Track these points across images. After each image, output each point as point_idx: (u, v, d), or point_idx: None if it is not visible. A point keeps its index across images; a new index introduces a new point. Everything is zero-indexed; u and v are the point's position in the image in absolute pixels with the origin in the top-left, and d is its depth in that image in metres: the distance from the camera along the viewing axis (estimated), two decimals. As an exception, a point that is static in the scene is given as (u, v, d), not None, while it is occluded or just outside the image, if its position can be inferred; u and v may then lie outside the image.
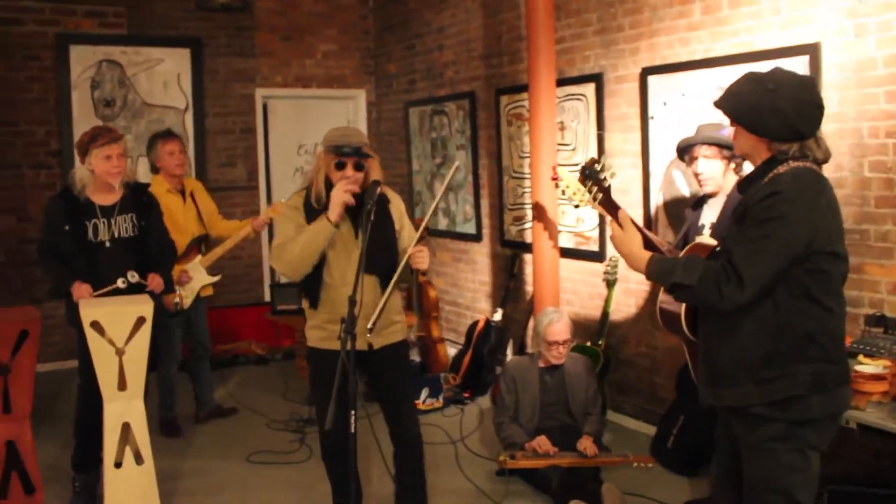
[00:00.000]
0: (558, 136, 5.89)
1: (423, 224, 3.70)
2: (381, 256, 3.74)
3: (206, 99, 8.11)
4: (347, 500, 3.79)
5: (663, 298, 3.57)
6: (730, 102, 2.83)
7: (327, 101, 8.81)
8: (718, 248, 2.99)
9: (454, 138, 7.53)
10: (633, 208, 5.47)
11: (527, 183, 6.49)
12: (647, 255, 2.94)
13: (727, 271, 2.67)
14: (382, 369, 3.91)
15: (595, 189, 3.20)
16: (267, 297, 8.19)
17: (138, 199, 4.67)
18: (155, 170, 5.67)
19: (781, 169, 2.74)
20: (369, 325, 3.65)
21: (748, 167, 4.55)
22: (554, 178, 4.71)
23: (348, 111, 8.92)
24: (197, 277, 5.70)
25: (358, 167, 3.73)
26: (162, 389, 5.80)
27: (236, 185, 8.29)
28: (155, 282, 4.60)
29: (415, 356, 6.54)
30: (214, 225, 5.90)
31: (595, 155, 5.82)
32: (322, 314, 3.82)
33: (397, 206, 3.95)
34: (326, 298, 3.80)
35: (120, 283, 4.46)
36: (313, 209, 3.76)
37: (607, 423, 5.46)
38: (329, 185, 3.75)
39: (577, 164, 5.93)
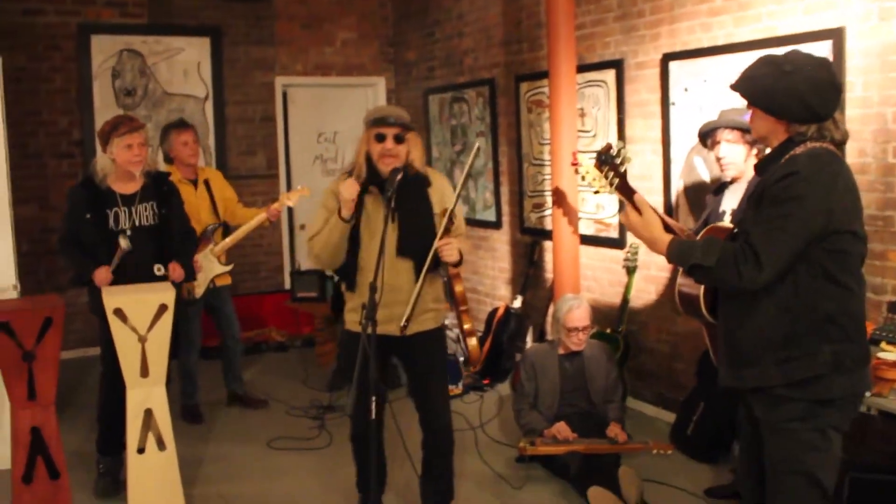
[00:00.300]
0: (578, 123, 5.87)
1: (448, 214, 3.67)
2: (415, 241, 3.72)
3: (225, 87, 8.13)
4: (368, 486, 3.83)
5: (682, 281, 3.56)
6: (746, 85, 2.84)
7: (347, 89, 8.82)
8: (736, 231, 2.99)
9: (474, 125, 7.51)
10: (653, 195, 5.45)
11: (547, 170, 6.47)
12: (667, 237, 2.95)
13: (745, 252, 2.67)
14: (415, 356, 3.90)
15: (612, 174, 3.21)
16: (287, 285, 8.22)
17: (159, 187, 4.70)
18: (169, 160, 5.70)
19: (798, 150, 2.74)
20: (403, 322, 3.65)
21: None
22: (574, 164, 4.73)
23: (367, 99, 8.92)
24: (208, 267, 5.70)
25: (398, 139, 3.72)
26: (183, 377, 5.84)
27: (256, 174, 8.32)
28: (176, 272, 4.62)
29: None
30: (233, 213, 5.90)
31: (614, 141, 5.79)
32: (358, 298, 3.79)
33: (439, 189, 3.87)
34: (362, 282, 3.77)
35: (122, 241, 4.48)
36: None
37: (626, 409, 5.45)
38: (370, 163, 3.73)
39: (596, 151, 5.91)
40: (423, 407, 3.97)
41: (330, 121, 8.77)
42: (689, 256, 2.81)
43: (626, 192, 3.20)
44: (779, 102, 2.74)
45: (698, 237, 3.48)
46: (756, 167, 2.94)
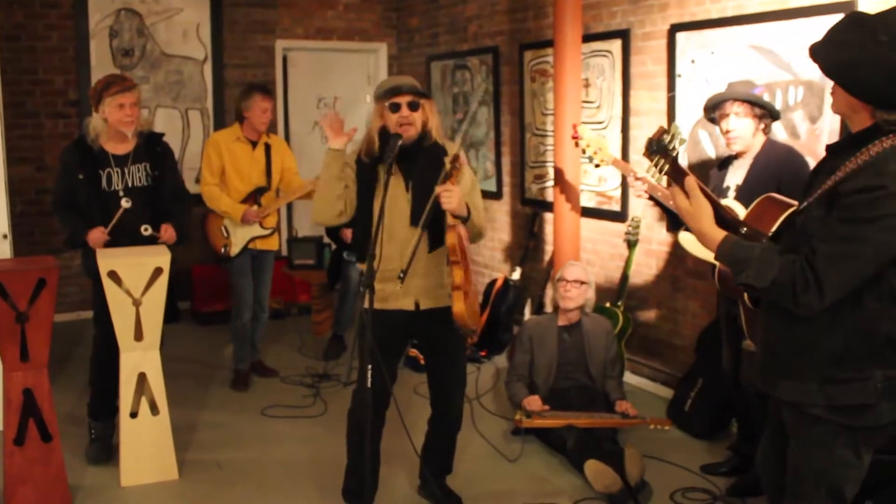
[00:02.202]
0: (583, 94, 5.83)
1: (451, 159, 3.55)
2: (424, 210, 3.61)
3: (225, 50, 8.06)
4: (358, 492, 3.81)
5: None
6: (825, 52, 2.36)
7: (348, 54, 8.75)
8: (797, 219, 2.54)
9: (476, 93, 7.46)
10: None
11: (549, 140, 6.44)
12: (720, 234, 2.54)
13: (806, 277, 2.31)
14: (429, 332, 3.86)
15: (662, 161, 2.73)
16: (284, 252, 8.20)
17: (152, 148, 4.67)
18: (240, 118, 5.64)
19: (886, 143, 2.29)
20: (400, 273, 3.54)
21: (778, 130, 4.51)
22: (574, 137, 4.69)
23: (369, 65, 8.85)
24: (247, 228, 5.64)
25: (413, 106, 3.66)
26: (233, 338, 5.88)
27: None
28: (168, 233, 4.61)
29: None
30: (289, 183, 5.80)
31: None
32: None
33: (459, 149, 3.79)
34: (377, 255, 3.66)
35: (124, 202, 4.49)
36: (364, 164, 3.71)
37: (624, 385, 5.46)
38: (384, 136, 3.68)
39: (601, 122, 5.89)
40: (436, 385, 3.96)
41: (330, 86, 8.71)
42: (741, 268, 2.44)
43: (676, 175, 2.75)
44: (863, 81, 2.27)
45: (751, 208, 3.32)
46: (829, 147, 2.50)
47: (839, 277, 2.29)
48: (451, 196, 3.48)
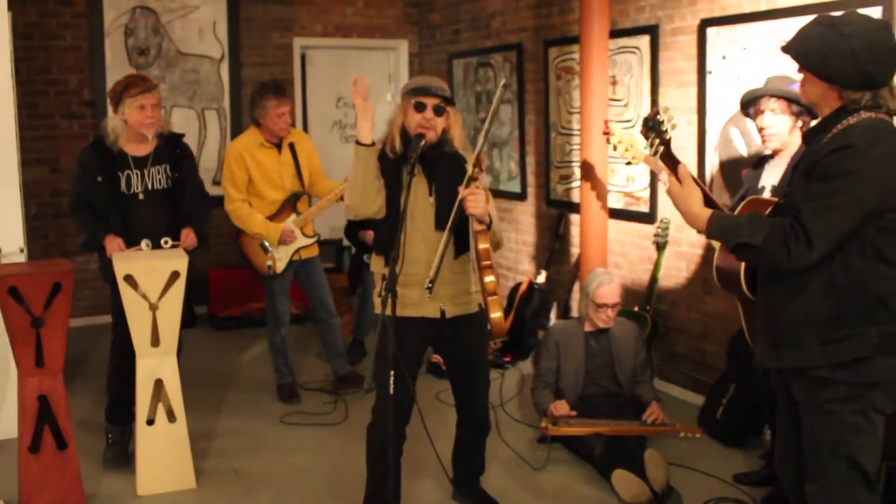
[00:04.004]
0: (610, 91, 5.82)
1: (474, 157, 3.53)
2: (448, 214, 3.62)
3: (242, 48, 8.10)
4: (386, 474, 3.80)
5: (719, 256, 3.53)
6: (798, 46, 2.76)
7: (368, 52, 8.77)
8: (782, 203, 2.94)
9: (497, 95, 7.44)
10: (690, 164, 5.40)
11: (575, 140, 6.43)
12: (707, 212, 2.88)
13: (795, 229, 2.62)
14: (454, 341, 3.87)
15: (657, 142, 3.16)
16: (303, 255, 8.23)
17: (172, 150, 4.70)
18: (258, 123, 5.45)
19: (852, 120, 2.68)
20: (428, 283, 3.58)
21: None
22: (606, 133, 4.69)
23: (389, 63, 8.87)
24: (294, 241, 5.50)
25: (437, 110, 3.66)
26: (274, 356, 5.76)
27: (273, 138, 8.28)
28: (189, 238, 4.62)
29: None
30: (316, 182, 5.64)
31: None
32: (402, 274, 3.69)
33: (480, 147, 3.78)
34: (404, 257, 3.67)
35: (144, 245, 4.48)
36: (388, 159, 3.71)
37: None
38: (405, 135, 3.69)
39: (629, 121, 5.87)
40: (461, 393, 3.98)
41: (349, 85, 8.71)
42: (733, 233, 2.74)
43: (669, 161, 3.16)
44: (833, 66, 2.67)
45: (737, 211, 3.44)
46: (804, 136, 2.88)
47: (824, 228, 2.60)
48: (476, 200, 3.50)
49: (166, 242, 4.55)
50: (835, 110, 2.74)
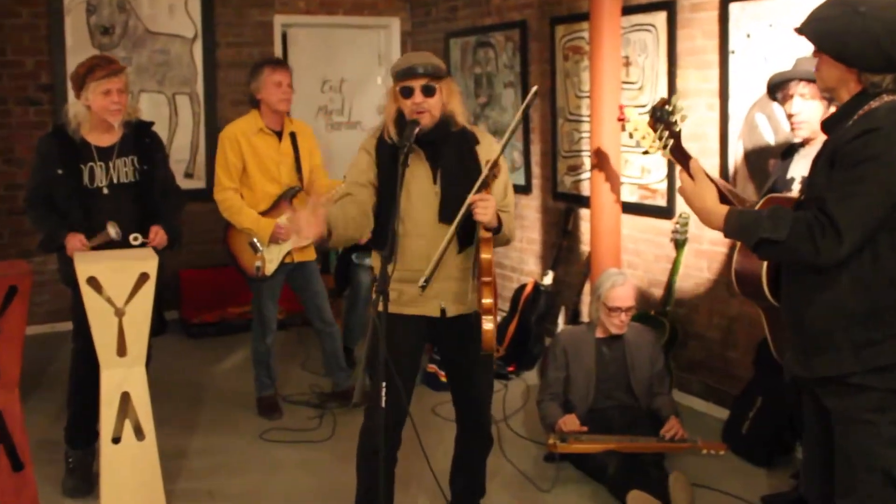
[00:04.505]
0: (622, 73, 5.82)
1: (490, 165, 3.52)
2: (457, 204, 3.61)
3: (217, 27, 8.10)
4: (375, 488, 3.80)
5: (738, 259, 3.53)
6: (813, 27, 2.80)
7: (356, 31, 8.76)
8: (803, 197, 2.95)
9: (501, 74, 7.46)
10: (708, 157, 5.40)
11: (585, 127, 6.43)
12: (724, 208, 2.89)
13: (821, 221, 2.64)
14: (454, 343, 3.87)
15: (666, 134, 3.14)
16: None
17: (140, 139, 4.68)
18: (254, 102, 5.47)
19: (874, 104, 2.72)
20: (422, 281, 3.60)
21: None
22: (621, 120, 4.69)
23: (380, 42, 8.87)
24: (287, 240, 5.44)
25: (427, 91, 3.63)
26: (254, 363, 5.74)
27: (251, 126, 8.27)
28: (158, 236, 4.60)
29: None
30: (316, 179, 5.57)
31: (670, 95, 5.74)
32: (399, 270, 3.69)
33: (488, 149, 3.77)
34: (402, 252, 3.68)
35: (110, 228, 4.45)
36: (387, 147, 3.69)
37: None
38: (400, 122, 3.67)
39: (643, 106, 5.86)
40: (460, 404, 3.98)
41: (336, 67, 8.72)
42: (754, 230, 2.75)
43: (679, 155, 3.15)
44: (851, 47, 2.71)
45: (757, 207, 3.43)
46: (824, 125, 2.91)
47: (853, 217, 2.61)
48: (486, 207, 3.49)
49: (136, 238, 4.53)
50: (854, 95, 2.78)
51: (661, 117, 3.20)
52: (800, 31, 2.83)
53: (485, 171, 3.55)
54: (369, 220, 3.72)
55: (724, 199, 2.97)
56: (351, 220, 3.61)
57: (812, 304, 2.79)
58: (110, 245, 4.47)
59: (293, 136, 5.52)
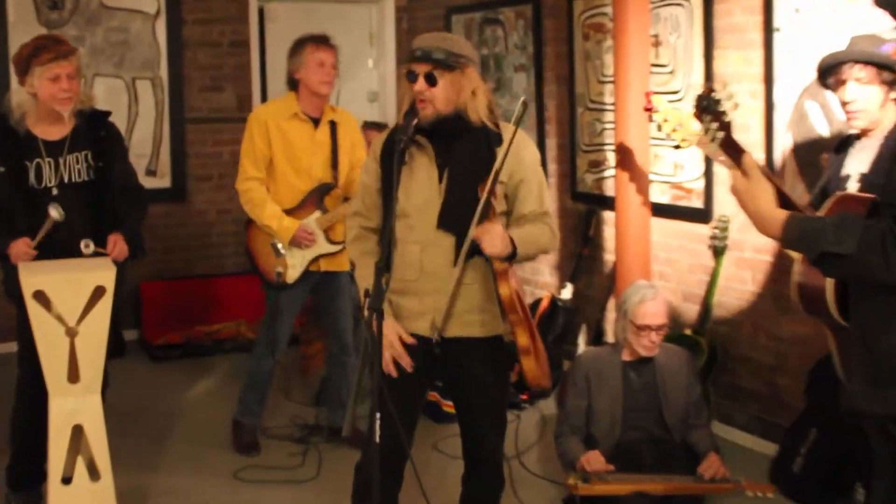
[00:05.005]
0: (651, 55, 5.81)
1: (488, 185, 3.50)
2: (460, 211, 3.60)
3: (183, 1, 8.10)
4: None
5: (800, 270, 3.50)
6: None
7: (343, 7, 8.77)
8: (880, 202, 2.89)
9: (511, 56, 7.46)
10: (752, 152, 5.37)
11: (608, 116, 6.42)
12: (782, 214, 2.80)
13: (895, 231, 2.55)
14: (457, 369, 3.83)
15: (714, 126, 3.06)
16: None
17: (95, 132, 4.68)
18: (292, 84, 5.45)
19: None
20: (439, 324, 3.61)
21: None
22: (648, 109, 4.67)
23: (371, 20, 8.87)
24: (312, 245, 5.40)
25: (429, 79, 3.60)
26: (247, 386, 5.68)
27: (223, 116, 8.32)
28: (118, 247, 4.59)
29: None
30: (355, 179, 5.49)
31: (702, 79, 5.73)
32: (394, 281, 3.72)
33: (516, 153, 3.71)
34: (399, 260, 3.70)
35: (53, 212, 4.43)
36: (390, 150, 3.65)
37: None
38: (414, 107, 3.64)
39: (675, 92, 5.86)
40: (468, 436, 3.95)
41: (320, 48, 8.71)
42: (817, 240, 2.67)
43: (731, 150, 3.04)
44: None
45: (823, 211, 3.40)
46: None
47: None
48: (493, 239, 3.49)
49: (87, 246, 4.52)
50: None
51: (709, 107, 3.12)
52: (880, 3, 2.75)
53: (484, 197, 3.52)
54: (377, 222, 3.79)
55: (783, 201, 2.90)
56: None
57: (887, 329, 2.72)
58: (63, 251, 4.45)
59: (333, 125, 5.46)
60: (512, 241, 3.56)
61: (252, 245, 5.54)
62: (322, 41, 5.40)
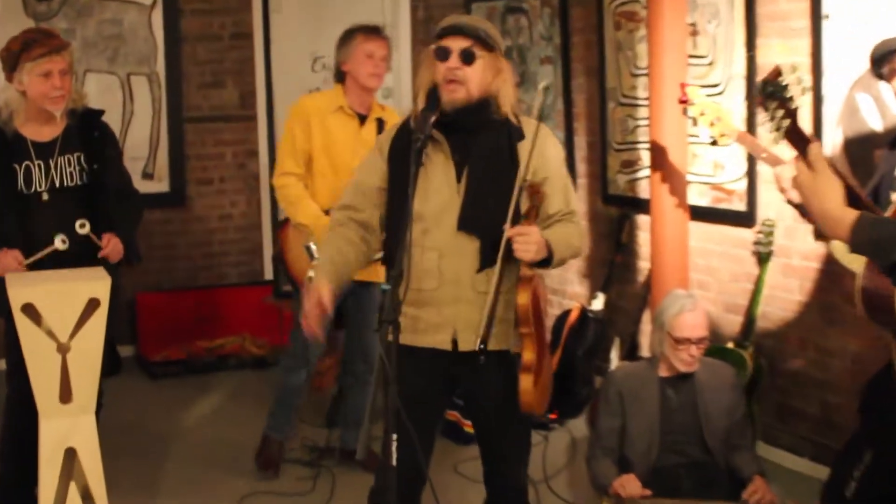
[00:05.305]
0: (689, 45, 5.80)
1: (519, 182, 3.52)
2: (487, 212, 3.62)
3: (181, -10, 8.14)
4: None
5: (867, 274, 3.48)
6: None
7: (354, -6, 8.78)
8: None
9: (536, 48, 7.47)
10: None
11: (642, 112, 6.42)
12: (852, 214, 2.66)
13: None
14: (475, 384, 3.85)
15: (780, 114, 3.01)
16: (268, 275, 8.22)
17: (88, 132, 4.70)
18: (340, 76, 5.48)
19: None
20: (479, 344, 3.57)
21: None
22: (683, 102, 4.67)
23: (384, 8, 8.88)
24: None
25: (466, 57, 3.59)
26: (276, 396, 5.74)
27: (225, 115, 8.34)
28: (112, 245, 4.61)
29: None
30: None
31: (744, 70, 5.72)
32: (410, 292, 3.66)
33: (540, 150, 3.72)
34: (415, 268, 3.65)
35: (59, 242, 4.45)
36: (406, 138, 3.65)
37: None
38: (433, 93, 3.64)
39: (715, 85, 5.86)
40: (490, 458, 3.95)
41: (329, 39, 8.63)
42: (890, 247, 2.57)
43: (798, 140, 2.97)
44: None
45: (890, 212, 3.38)
46: None
47: None
48: (527, 244, 3.49)
49: (83, 225, 4.55)
50: None
51: (775, 93, 3.02)
52: None
53: (515, 196, 3.54)
54: (375, 239, 3.79)
55: (852, 199, 2.75)
56: (354, 263, 3.77)
57: None
58: (54, 259, 4.47)
59: (380, 124, 5.46)
60: (549, 246, 3.56)
61: (284, 245, 5.55)
62: (373, 31, 5.41)
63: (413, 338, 3.68)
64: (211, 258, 8.26)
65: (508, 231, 3.51)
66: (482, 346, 3.58)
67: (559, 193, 3.77)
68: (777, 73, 3.06)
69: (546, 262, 3.59)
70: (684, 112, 4.64)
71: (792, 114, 2.99)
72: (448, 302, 3.66)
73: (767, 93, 3.05)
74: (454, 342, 3.73)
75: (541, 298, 3.71)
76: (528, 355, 3.58)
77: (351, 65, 5.35)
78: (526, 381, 3.56)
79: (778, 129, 2.99)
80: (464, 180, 3.67)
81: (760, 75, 5.59)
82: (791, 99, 2.98)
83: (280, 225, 5.57)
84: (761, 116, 3.12)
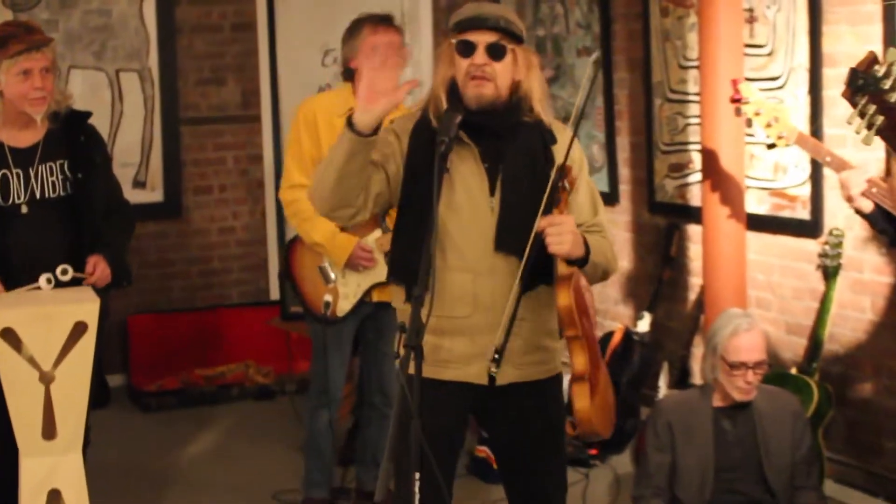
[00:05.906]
0: (745, 33, 5.81)
1: (555, 172, 3.50)
2: (522, 225, 3.56)
3: (176, -23, 8.18)
4: None
5: None
6: None
7: (368, -19, 8.82)
8: None
9: (573, 37, 7.47)
10: (869, 149, 5.36)
11: (693, 109, 6.42)
12: None
13: None
14: (507, 421, 3.84)
15: (872, 110, 2.91)
16: (274, 294, 8.24)
17: (72, 137, 4.71)
18: (348, 73, 5.40)
19: None
20: (493, 354, 3.56)
21: None
22: (735, 101, 4.67)
23: (400, -3, 8.91)
24: (365, 270, 5.32)
25: (494, 52, 3.57)
26: (307, 450, 5.70)
27: (225, 115, 8.38)
28: (98, 270, 4.63)
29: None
30: None
31: (807, 62, 5.72)
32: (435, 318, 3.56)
33: (574, 142, 3.68)
34: (441, 291, 3.56)
35: (43, 281, 4.47)
36: (426, 134, 3.63)
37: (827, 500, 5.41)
38: (454, 91, 3.63)
39: (774, 79, 5.86)
40: (521, 500, 3.94)
41: (340, 30, 8.73)
42: None
43: (893, 136, 2.94)
44: None
45: None
46: None
47: None
48: (561, 234, 3.46)
49: (65, 272, 4.53)
50: None
51: (866, 85, 2.90)
52: None
53: (550, 186, 3.50)
54: (360, 195, 3.63)
55: None
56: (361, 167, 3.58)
57: None
58: (28, 279, 4.50)
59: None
60: (585, 241, 3.55)
61: (295, 267, 5.50)
62: (381, 22, 5.35)
63: (436, 370, 3.62)
64: (210, 276, 8.28)
65: (542, 221, 3.47)
66: (497, 357, 3.57)
67: (588, 202, 3.77)
68: (871, 61, 2.92)
69: (582, 261, 3.55)
70: (737, 112, 4.62)
71: (888, 109, 2.88)
72: (483, 331, 3.63)
73: (857, 86, 2.93)
74: (491, 378, 3.69)
75: (585, 290, 3.68)
76: (580, 361, 3.53)
77: (359, 61, 5.27)
78: (581, 394, 3.51)
79: (870, 127, 2.87)
80: (498, 192, 3.64)
81: (827, 66, 5.61)
82: (888, 91, 2.85)
83: (289, 244, 5.53)
84: (850, 113, 3.00)
